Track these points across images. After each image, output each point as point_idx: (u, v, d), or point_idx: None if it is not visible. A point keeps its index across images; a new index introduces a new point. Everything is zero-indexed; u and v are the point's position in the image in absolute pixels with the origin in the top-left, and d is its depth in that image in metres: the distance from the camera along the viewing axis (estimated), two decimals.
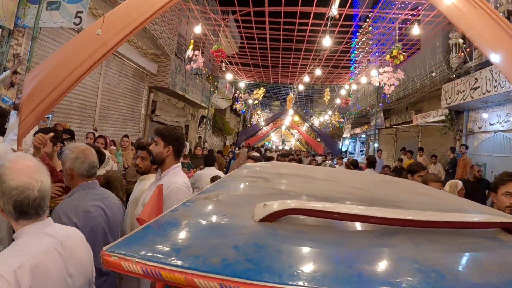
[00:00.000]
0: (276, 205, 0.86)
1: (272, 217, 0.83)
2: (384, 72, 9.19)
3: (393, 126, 16.85)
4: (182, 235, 0.79)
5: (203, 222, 0.89)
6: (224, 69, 13.84)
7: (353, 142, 26.60)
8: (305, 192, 1.34)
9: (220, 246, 0.70)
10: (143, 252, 0.65)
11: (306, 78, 12.62)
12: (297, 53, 12.16)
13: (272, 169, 2.19)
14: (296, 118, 24.32)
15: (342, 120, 17.12)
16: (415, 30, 8.42)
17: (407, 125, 14.47)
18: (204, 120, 19.57)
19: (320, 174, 2.31)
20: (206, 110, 16.92)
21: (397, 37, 9.05)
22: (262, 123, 19.87)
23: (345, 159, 23.50)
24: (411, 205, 1.34)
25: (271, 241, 0.74)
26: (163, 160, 2.66)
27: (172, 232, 0.78)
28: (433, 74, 11.13)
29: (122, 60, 10.24)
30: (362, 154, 24.62)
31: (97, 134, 7.21)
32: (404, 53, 8.88)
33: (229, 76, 12.89)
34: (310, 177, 1.99)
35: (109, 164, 4.52)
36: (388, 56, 8.53)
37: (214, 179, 5.35)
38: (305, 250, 0.74)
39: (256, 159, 5.11)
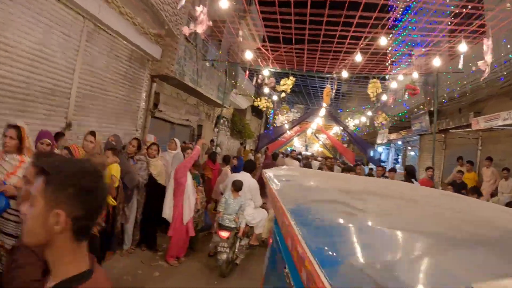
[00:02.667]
0: None
1: None
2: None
3: (442, 131, 14.05)
4: None
5: None
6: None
7: (387, 149, 23.75)
8: (420, 228, 1.14)
9: None
10: None
11: (343, 72, 10.07)
12: (342, 40, 9.57)
13: (341, 183, 2.16)
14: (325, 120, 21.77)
15: (384, 122, 14.32)
16: None
17: (463, 129, 11.65)
18: (221, 121, 17.25)
19: (397, 191, 2.06)
20: (222, 109, 14.53)
21: None
22: (287, 125, 17.33)
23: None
24: None
25: None
26: None
27: None
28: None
29: (112, 36, 7.94)
30: (397, 163, 21.76)
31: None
32: None
33: (249, 55, 10.19)
34: (394, 197, 1.80)
35: None
36: None
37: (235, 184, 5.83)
38: None
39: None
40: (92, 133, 4.88)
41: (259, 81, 12.85)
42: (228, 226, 5.63)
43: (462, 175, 9.71)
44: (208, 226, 6.59)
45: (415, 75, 9.98)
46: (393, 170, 10.20)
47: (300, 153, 21.52)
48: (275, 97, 16.86)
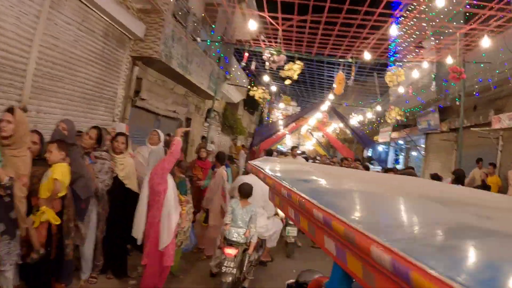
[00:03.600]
0: None
1: None
2: None
3: (454, 130, 12.92)
4: None
5: None
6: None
7: (386, 149, 22.65)
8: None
9: None
10: None
11: (366, 54, 8.63)
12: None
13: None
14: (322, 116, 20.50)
15: (398, 117, 12.97)
16: None
17: (481, 128, 10.51)
18: (212, 115, 15.90)
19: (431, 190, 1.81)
20: (214, 101, 13.17)
21: None
22: (284, 121, 15.93)
23: (375, 168, 19.64)
24: None
25: None
26: None
27: None
28: None
29: (85, 5, 6.55)
30: (396, 163, 20.65)
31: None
32: None
33: (252, 25, 8.33)
34: (433, 199, 1.38)
35: None
36: None
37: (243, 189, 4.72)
38: None
39: None
40: (37, 132, 3.60)
41: (257, 66, 11.43)
42: (236, 241, 4.46)
43: (486, 176, 8.54)
44: (194, 245, 5.16)
45: (449, 60, 8.64)
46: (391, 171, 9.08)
47: (303, 152, 20.36)
48: (273, 88, 15.43)
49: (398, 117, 12.79)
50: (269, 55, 8.11)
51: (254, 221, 4.64)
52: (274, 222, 5.23)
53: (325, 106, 15.54)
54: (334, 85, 10.19)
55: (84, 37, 6.70)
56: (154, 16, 8.30)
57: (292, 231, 6.33)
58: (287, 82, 9.21)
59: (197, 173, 7.11)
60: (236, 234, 4.50)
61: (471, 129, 10.23)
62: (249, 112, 24.69)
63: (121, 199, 4.49)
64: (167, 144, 5.96)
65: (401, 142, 18.81)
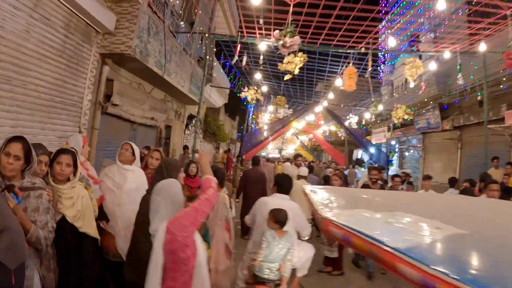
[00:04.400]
0: None
1: None
2: None
3: (458, 128, 12.06)
4: None
5: None
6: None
7: (377, 149, 21.73)
8: None
9: None
10: None
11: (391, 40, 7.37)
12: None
13: None
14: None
15: (406, 116, 11.89)
16: None
17: (494, 125, 9.61)
18: (194, 121, 14.58)
19: None
20: (199, 107, 11.84)
21: None
22: (270, 125, 14.62)
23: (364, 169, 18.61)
24: None
25: None
26: None
27: None
28: None
29: None
30: (390, 164, 19.68)
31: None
32: None
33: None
34: None
35: None
36: None
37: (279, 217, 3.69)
38: None
39: None
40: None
41: (247, 62, 10.08)
42: (267, 278, 3.58)
43: (508, 178, 7.55)
44: None
45: (482, 47, 7.53)
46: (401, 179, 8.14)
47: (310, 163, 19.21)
48: (264, 88, 14.12)
49: (406, 116, 11.80)
50: (279, 39, 6.76)
51: (292, 253, 3.72)
52: (305, 247, 4.18)
53: (320, 107, 14.39)
54: (337, 82, 9.01)
55: (39, 27, 5.31)
56: (127, 5, 6.97)
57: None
58: (287, 77, 7.91)
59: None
60: (268, 270, 3.58)
61: (488, 126, 9.33)
62: (230, 117, 23.43)
63: (76, 252, 2.92)
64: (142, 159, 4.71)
65: (393, 142, 17.91)
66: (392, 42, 7.30)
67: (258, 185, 8.40)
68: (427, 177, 7.39)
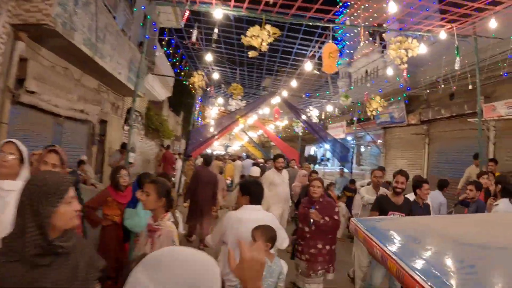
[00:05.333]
0: None
1: None
2: None
3: (426, 122, 11.57)
4: None
5: None
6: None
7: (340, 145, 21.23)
8: None
9: None
10: None
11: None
12: None
13: None
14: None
15: (380, 109, 10.95)
16: None
17: (471, 118, 9.10)
18: (133, 116, 12.90)
19: None
20: (134, 98, 10.26)
21: None
22: (218, 120, 13.13)
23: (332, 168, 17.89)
24: None
25: None
26: None
27: None
28: None
29: None
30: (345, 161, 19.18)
31: None
32: None
33: None
34: None
35: None
36: None
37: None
38: None
39: None
40: None
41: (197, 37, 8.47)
42: None
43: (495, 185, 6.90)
44: None
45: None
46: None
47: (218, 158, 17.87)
48: (216, 76, 12.56)
49: (380, 109, 10.97)
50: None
51: (283, 279, 3.09)
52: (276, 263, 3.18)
53: (277, 99, 13.17)
54: (306, 66, 7.86)
55: None
56: None
57: None
58: (252, 54, 6.55)
59: (111, 214, 4.29)
60: None
61: (469, 120, 8.77)
62: (175, 112, 21.77)
63: None
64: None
65: (349, 138, 17.35)
66: (392, 6, 6.22)
67: (209, 187, 7.47)
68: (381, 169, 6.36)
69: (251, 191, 3.39)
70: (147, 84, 12.23)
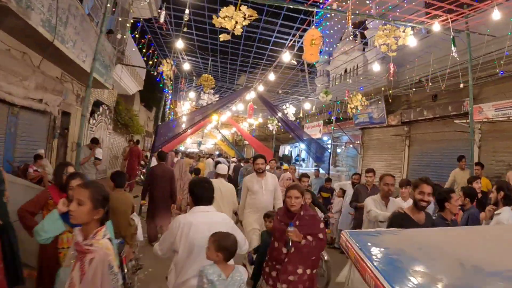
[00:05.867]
0: None
1: None
2: None
3: (406, 123, 11.43)
4: None
5: None
6: None
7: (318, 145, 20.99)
8: None
9: None
10: None
11: None
12: None
13: None
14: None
15: (361, 107, 10.55)
16: None
17: (461, 120, 8.96)
18: (100, 109, 12.24)
19: None
20: (105, 91, 9.65)
21: None
22: (190, 116, 12.40)
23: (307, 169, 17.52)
24: None
25: None
26: None
27: None
28: None
29: None
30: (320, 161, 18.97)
31: None
32: None
33: None
34: None
35: None
36: None
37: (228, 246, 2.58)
38: None
39: None
40: None
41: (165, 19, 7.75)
42: None
43: (480, 184, 6.63)
44: None
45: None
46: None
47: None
48: (186, 66, 11.84)
49: (360, 107, 10.63)
50: None
51: None
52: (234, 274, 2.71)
53: (252, 94, 12.65)
54: (284, 57, 7.32)
55: None
56: None
57: None
58: (223, 37, 5.92)
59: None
60: None
61: (456, 121, 8.61)
62: (146, 107, 21.01)
63: None
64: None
65: (326, 138, 17.12)
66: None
67: (165, 183, 7.29)
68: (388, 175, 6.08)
69: (194, 191, 3.02)
70: (116, 75, 11.55)
